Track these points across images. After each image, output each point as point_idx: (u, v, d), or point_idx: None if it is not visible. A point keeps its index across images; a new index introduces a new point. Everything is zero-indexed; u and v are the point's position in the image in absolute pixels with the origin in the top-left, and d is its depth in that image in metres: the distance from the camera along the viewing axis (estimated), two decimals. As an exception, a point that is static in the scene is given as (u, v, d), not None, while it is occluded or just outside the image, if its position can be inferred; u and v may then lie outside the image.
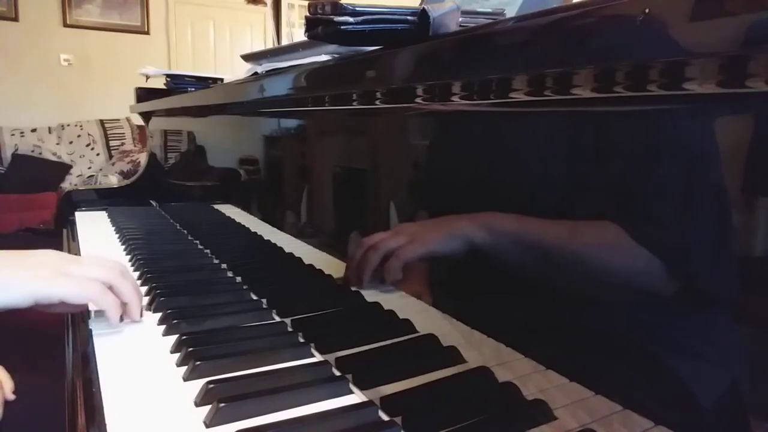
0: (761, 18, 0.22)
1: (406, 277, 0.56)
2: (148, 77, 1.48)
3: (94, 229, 1.13)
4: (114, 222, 1.16)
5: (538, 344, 0.42)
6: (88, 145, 3.88)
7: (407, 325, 0.54)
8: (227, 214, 1.09)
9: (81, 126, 3.90)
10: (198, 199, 1.29)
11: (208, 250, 0.89)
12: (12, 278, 0.52)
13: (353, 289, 0.62)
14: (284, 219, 0.88)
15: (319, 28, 0.48)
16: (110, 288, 0.55)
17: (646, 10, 0.26)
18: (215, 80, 1.44)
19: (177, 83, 1.44)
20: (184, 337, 0.52)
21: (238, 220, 1.03)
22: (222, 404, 0.40)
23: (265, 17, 4.48)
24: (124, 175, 3.45)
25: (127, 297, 0.56)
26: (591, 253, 0.37)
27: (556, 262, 0.40)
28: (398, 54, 0.46)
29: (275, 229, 0.89)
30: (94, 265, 0.56)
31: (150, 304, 0.63)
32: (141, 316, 0.58)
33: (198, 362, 0.46)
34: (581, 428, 0.36)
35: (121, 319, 0.55)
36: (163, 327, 0.56)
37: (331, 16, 0.46)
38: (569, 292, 0.39)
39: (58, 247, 1.09)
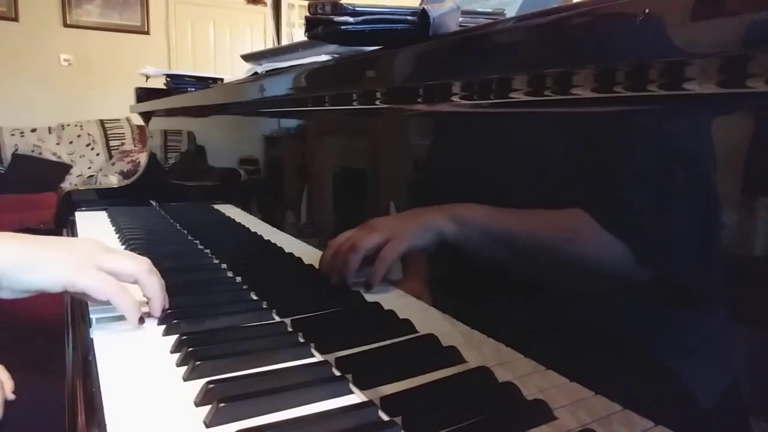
0: (761, 18, 0.22)
1: (400, 274, 0.56)
2: (148, 77, 1.48)
3: (94, 229, 1.13)
4: (114, 222, 1.16)
5: (538, 344, 0.42)
6: (88, 145, 3.88)
7: (407, 325, 0.54)
8: (227, 214, 1.09)
9: (81, 126, 3.90)
10: (198, 199, 1.29)
11: (208, 250, 0.89)
12: (46, 261, 0.53)
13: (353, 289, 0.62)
14: (284, 219, 0.88)
15: (319, 28, 0.48)
16: (136, 282, 0.57)
17: (646, 10, 0.26)
18: (215, 80, 1.44)
19: (177, 83, 1.44)
20: (184, 337, 0.52)
21: (238, 220, 1.03)
22: (222, 404, 0.40)
23: (265, 17, 4.48)
24: (124, 175, 3.45)
25: (151, 293, 0.58)
26: (589, 252, 0.37)
27: (551, 261, 0.40)
28: (398, 54, 0.46)
29: (275, 229, 0.89)
30: (123, 258, 0.57)
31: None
32: (162, 313, 0.59)
33: (198, 362, 0.46)
34: (581, 428, 0.36)
35: (143, 321, 0.56)
36: (163, 327, 0.56)
37: (331, 16, 0.46)
38: (569, 291, 0.39)
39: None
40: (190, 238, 1.01)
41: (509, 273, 0.45)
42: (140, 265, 0.57)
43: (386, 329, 0.53)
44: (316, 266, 0.71)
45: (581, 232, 0.38)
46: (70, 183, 3.64)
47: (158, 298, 0.58)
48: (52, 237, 0.57)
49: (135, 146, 3.92)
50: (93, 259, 0.54)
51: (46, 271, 0.52)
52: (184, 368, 0.47)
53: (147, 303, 0.58)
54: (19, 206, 3.09)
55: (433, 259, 0.53)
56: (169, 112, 1.44)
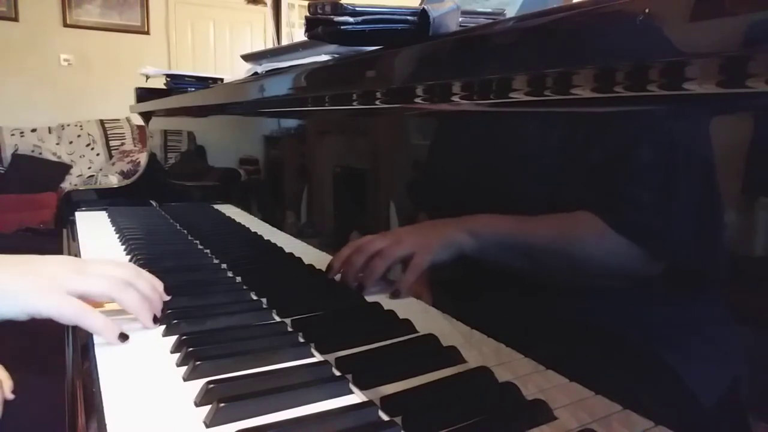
0: (761, 18, 0.22)
1: (402, 275, 0.56)
2: (148, 77, 1.48)
3: (94, 229, 1.13)
4: (114, 222, 1.16)
5: (538, 344, 0.42)
6: (88, 145, 3.88)
7: (407, 325, 0.54)
8: (227, 214, 1.09)
9: (81, 126, 3.90)
10: (198, 199, 1.29)
11: (208, 250, 0.89)
12: (9, 290, 0.51)
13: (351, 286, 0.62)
14: (284, 219, 0.88)
15: (319, 28, 0.48)
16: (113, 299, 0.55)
17: (646, 10, 0.26)
18: (215, 80, 1.44)
19: (177, 83, 1.44)
20: (184, 337, 0.52)
21: (238, 220, 1.03)
22: (222, 404, 0.40)
23: (265, 17, 4.47)
24: (124, 175, 3.45)
25: (130, 309, 0.55)
26: (591, 253, 0.37)
27: (554, 263, 0.40)
28: (398, 54, 0.46)
29: (275, 229, 0.89)
30: (93, 278, 0.55)
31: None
32: (155, 323, 0.56)
33: (198, 362, 0.46)
34: (581, 428, 0.36)
35: (125, 338, 0.53)
36: (163, 327, 0.56)
37: (331, 16, 0.46)
38: (570, 292, 0.39)
39: (58, 247, 1.09)
40: (190, 238, 1.01)
41: (511, 275, 0.45)
42: (111, 284, 0.54)
43: (386, 329, 0.53)
44: (317, 266, 0.71)
45: (584, 234, 0.38)
46: (70, 183, 3.64)
47: (141, 312, 0.55)
48: (21, 258, 0.55)
49: (135, 146, 3.92)
50: (60, 283, 0.52)
51: (9, 301, 0.50)
52: (184, 368, 0.47)
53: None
54: (19, 206, 3.09)
55: (438, 266, 0.53)
56: (169, 112, 1.44)
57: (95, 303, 0.59)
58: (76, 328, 0.58)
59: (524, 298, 0.43)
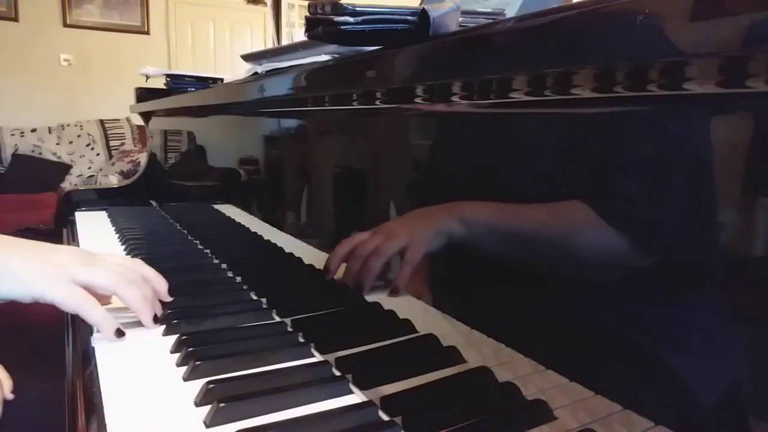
0: (761, 18, 0.22)
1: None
2: (148, 77, 1.48)
3: (94, 229, 1.13)
4: (114, 222, 1.16)
5: (538, 344, 0.42)
6: (88, 145, 3.88)
7: (407, 325, 0.54)
8: (227, 214, 1.09)
9: (81, 126, 3.90)
10: (198, 199, 1.29)
11: (208, 250, 0.89)
12: (18, 271, 0.52)
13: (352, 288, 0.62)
14: (284, 219, 0.88)
15: (319, 28, 0.48)
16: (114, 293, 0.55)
17: (646, 10, 0.26)
18: (215, 80, 1.44)
19: (177, 83, 1.44)
20: (184, 337, 0.52)
21: (238, 220, 1.03)
22: (222, 404, 0.40)
23: (265, 17, 4.48)
24: (124, 175, 3.45)
25: (131, 306, 0.56)
26: (589, 251, 0.37)
27: (551, 260, 0.40)
28: (398, 54, 0.46)
29: (275, 229, 0.89)
30: (98, 271, 0.55)
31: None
32: (155, 322, 0.57)
33: (198, 362, 0.46)
34: (581, 428, 0.36)
35: (122, 333, 0.53)
36: (163, 327, 0.56)
37: (331, 16, 0.46)
38: (569, 291, 0.39)
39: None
40: (190, 238, 1.01)
41: (509, 273, 0.45)
42: (115, 278, 0.55)
43: (386, 329, 0.53)
44: (317, 266, 0.71)
45: (583, 234, 0.38)
46: (70, 183, 3.64)
47: (142, 310, 0.56)
48: (33, 244, 0.56)
49: (135, 146, 3.92)
50: (67, 272, 0.53)
51: (16, 281, 0.52)
52: (184, 368, 0.47)
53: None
54: (19, 206, 3.09)
55: (433, 259, 0.53)
56: (169, 112, 1.44)
57: (100, 299, 0.59)
58: (76, 328, 0.58)
59: (524, 299, 0.43)
